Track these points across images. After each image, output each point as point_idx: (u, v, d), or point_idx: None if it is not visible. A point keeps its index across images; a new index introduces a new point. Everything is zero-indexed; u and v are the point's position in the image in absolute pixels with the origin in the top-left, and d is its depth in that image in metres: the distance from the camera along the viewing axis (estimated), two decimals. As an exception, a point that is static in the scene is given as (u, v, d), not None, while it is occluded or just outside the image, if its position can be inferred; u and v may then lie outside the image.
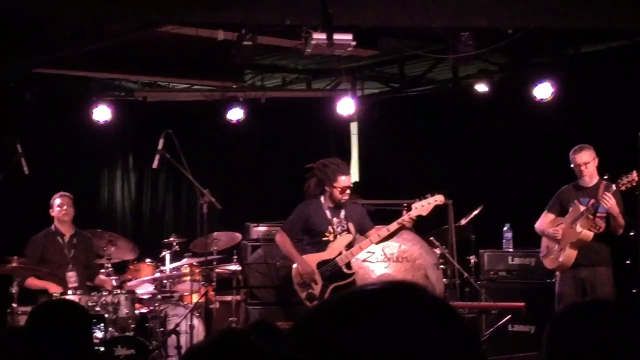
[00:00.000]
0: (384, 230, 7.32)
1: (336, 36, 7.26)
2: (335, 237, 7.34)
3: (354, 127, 12.01)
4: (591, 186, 7.50)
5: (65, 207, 8.21)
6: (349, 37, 7.36)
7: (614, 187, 7.21)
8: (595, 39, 9.28)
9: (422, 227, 8.62)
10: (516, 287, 8.64)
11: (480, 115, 10.36)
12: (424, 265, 8.91)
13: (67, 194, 8.30)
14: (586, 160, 7.46)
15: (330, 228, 7.34)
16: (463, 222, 8.98)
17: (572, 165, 7.56)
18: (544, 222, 7.72)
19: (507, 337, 8.26)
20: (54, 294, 7.53)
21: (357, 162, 12.09)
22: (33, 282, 7.93)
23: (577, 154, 7.52)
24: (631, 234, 7.48)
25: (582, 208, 7.41)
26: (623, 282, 7.59)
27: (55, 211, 8.21)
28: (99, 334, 6.68)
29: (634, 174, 7.09)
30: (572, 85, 9.33)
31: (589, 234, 7.35)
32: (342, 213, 7.40)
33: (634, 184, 7.11)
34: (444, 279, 8.85)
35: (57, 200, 8.22)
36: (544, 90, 9.19)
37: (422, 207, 7.34)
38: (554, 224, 7.65)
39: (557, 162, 9.34)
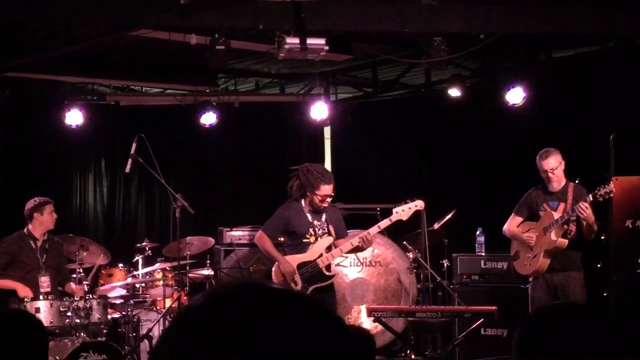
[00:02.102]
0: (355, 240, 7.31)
1: (309, 41, 7.25)
2: (316, 239, 7.33)
3: (327, 132, 12.02)
4: (559, 190, 7.48)
5: (54, 215, 8.12)
6: (322, 41, 7.35)
7: (590, 197, 7.08)
8: (566, 44, 9.35)
9: (395, 231, 8.64)
10: (489, 291, 8.67)
11: (453, 119, 10.39)
12: (397, 269, 8.94)
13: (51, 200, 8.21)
14: (553, 166, 7.41)
15: (311, 230, 7.33)
16: (436, 226, 9.00)
17: (540, 171, 7.52)
18: (512, 225, 7.71)
19: (479, 341, 8.30)
20: (25, 299, 7.47)
21: (330, 166, 12.09)
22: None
23: (544, 159, 7.44)
24: (602, 237, 7.52)
25: (555, 215, 7.35)
26: (594, 285, 7.64)
27: (45, 218, 8.04)
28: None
29: (611, 184, 7.01)
30: (543, 90, 9.38)
31: (565, 242, 7.33)
32: (324, 216, 7.40)
33: (612, 195, 7.07)
34: (417, 283, 8.88)
35: (48, 207, 8.06)
36: (516, 95, 9.23)
37: (403, 212, 7.34)
38: (524, 228, 7.64)
39: (530, 166, 9.42)
